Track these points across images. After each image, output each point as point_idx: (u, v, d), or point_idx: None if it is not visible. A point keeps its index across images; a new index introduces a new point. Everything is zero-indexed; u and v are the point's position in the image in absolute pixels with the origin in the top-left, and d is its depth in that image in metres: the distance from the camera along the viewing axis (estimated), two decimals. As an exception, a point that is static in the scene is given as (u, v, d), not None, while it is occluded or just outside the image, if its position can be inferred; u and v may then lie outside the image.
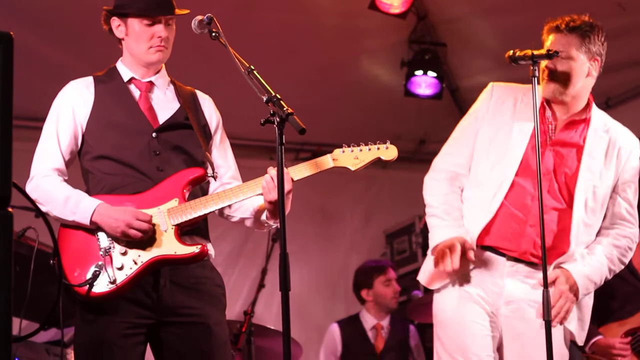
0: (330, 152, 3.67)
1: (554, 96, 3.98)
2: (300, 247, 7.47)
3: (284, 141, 3.12)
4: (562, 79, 3.94)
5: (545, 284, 3.65)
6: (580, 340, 4.05)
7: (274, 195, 3.44)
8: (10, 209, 2.09)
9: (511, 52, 3.81)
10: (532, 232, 3.94)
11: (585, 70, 3.96)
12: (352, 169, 3.65)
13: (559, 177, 4.00)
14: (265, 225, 3.71)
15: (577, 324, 4.00)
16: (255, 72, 3.31)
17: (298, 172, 3.54)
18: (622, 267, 4.07)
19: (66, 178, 3.64)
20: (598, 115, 4.08)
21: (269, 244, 6.32)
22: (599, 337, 5.34)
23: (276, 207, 3.48)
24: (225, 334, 3.63)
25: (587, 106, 4.06)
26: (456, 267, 3.86)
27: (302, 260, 7.57)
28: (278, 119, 3.13)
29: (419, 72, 6.93)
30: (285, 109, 3.13)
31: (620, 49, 6.33)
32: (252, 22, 6.38)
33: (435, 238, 4.01)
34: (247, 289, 7.53)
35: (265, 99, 3.20)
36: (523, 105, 4.04)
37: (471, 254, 3.89)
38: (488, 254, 3.99)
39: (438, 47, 7.06)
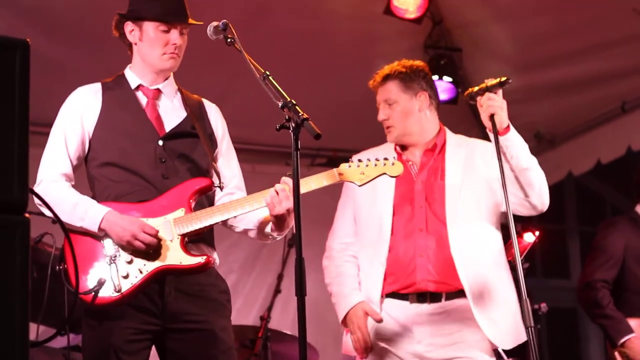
0: (346, 160, 3.69)
1: (399, 141, 4.20)
2: (316, 252, 7.36)
3: (299, 146, 3.13)
4: (397, 123, 4.16)
5: (523, 294, 3.58)
6: (503, 344, 4.05)
7: (279, 210, 3.47)
8: (27, 215, 2.10)
9: (468, 90, 3.92)
10: (422, 261, 4.03)
11: (414, 107, 4.18)
12: (358, 184, 3.66)
13: (433, 204, 4.08)
14: (270, 237, 3.71)
15: (489, 325, 3.97)
16: (270, 77, 3.31)
17: (304, 185, 3.51)
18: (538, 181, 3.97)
19: (73, 183, 3.64)
20: (452, 137, 4.25)
21: (284, 249, 6.32)
22: (633, 335, 5.29)
23: (281, 221, 3.53)
24: (230, 339, 3.62)
25: (439, 133, 4.24)
26: (368, 347, 4.06)
27: (318, 265, 7.50)
28: (293, 125, 3.13)
29: (435, 77, 6.87)
30: (300, 114, 3.14)
31: (635, 54, 6.33)
32: (267, 28, 6.38)
33: (338, 312, 4.22)
34: (264, 294, 7.52)
35: (280, 104, 3.20)
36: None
37: (376, 317, 4.06)
38: (392, 301, 4.08)
39: (453, 52, 7.05)
